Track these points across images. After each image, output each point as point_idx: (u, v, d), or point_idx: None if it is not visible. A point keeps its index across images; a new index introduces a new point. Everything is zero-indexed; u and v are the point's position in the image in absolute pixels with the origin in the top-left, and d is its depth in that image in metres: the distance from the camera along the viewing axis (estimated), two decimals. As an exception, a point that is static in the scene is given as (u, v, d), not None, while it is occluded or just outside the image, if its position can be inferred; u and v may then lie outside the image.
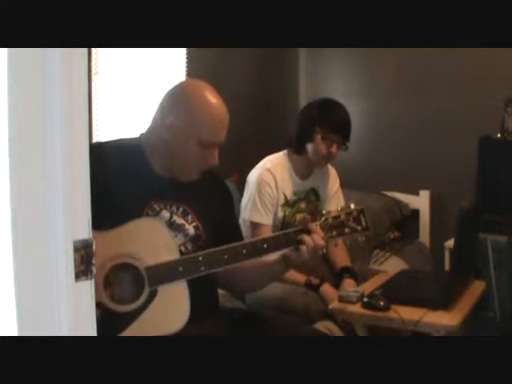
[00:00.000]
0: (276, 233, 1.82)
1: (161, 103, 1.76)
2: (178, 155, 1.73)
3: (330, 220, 1.83)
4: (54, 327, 0.90)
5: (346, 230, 1.84)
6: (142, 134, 1.82)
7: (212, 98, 1.73)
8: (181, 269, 1.62)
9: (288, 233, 1.77)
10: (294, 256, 1.76)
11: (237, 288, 2.08)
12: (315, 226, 1.78)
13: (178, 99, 1.74)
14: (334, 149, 2.54)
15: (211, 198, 1.86)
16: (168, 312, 1.63)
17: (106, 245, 1.54)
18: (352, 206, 1.87)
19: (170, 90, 1.77)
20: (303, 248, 1.74)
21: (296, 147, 2.61)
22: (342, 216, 1.85)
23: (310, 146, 2.57)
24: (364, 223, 1.87)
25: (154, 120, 1.77)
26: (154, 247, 1.63)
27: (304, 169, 2.65)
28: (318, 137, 2.53)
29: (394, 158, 4.03)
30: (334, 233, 1.83)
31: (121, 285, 1.60)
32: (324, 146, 2.53)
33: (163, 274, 1.61)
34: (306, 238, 1.74)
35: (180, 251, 1.70)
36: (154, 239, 1.65)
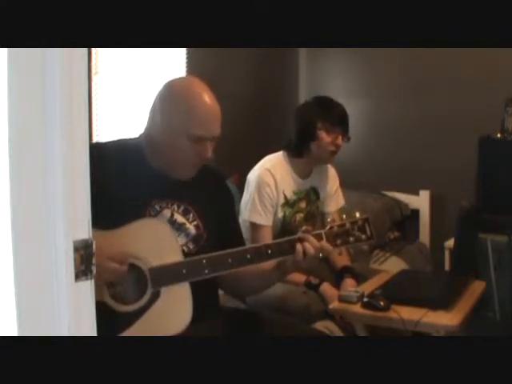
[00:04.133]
0: (280, 239, 1.81)
1: (153, 101, 1.77)
2: (170, 153, 1.72)
3: (335, 228, 1.83)
4: (54, 327, 0.90)
5: (351, 238, 1.85)
6: (141, 134, 1.82)
7: (200, 92, 1.72)
8: (184, 271, 1.62)
9: (291, 239, 1.77)
10: (289, 262, 1.77)
11: (237, 292, 2.09)
12: (309, 237, 1.77)
13: (166, 96, 1.74)
14: (339, 141, 2.56)
15: (212, 197, 1.86)
16: (170, 313, 1.63)
17: (111, 244, 1.54)
18: (357, 214, 1.87)
19: (161, 89, 1.77)
20: (297, 255, 1.74)
21: (297, 150, 2.61)
22: (347, 225, 1.85)
23: (314, 145, 2.57)
24: (369, 232, 1.87)
25: (148, 120, 1.78)
26: (157, 248, 1.63)
27: (304, 168, 2.65)
28: (322, 132, 2.54)
29: (394, 158, 4.03)
30: (339, 241, 1.83)
31: (124, 285, 1.60)
32: (330, 140, 2.54)
33: (166, 275, 1.61)
34: (306, 244, 1.75)
35: (182, 251, 1.70)
36: (158, 240, 1.65)
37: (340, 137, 2.56)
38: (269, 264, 1.81)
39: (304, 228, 1.83)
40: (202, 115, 1.70)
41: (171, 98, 1.73)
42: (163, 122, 1.71)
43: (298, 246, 1.74)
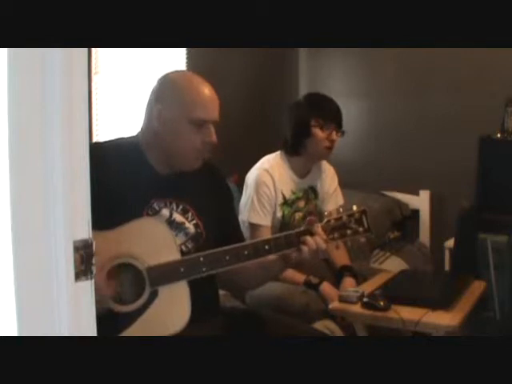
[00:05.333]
0: (277, 234, 1.81)
1: (148, 98, 1.77)
2: (173, 142, 1.72)
3: (331, 222, 1.82)
4: (54, 327, 0.90)
5: (348, 231, 1.84)
6: (138, 133, 1.82)
7: (196, 79, 1.75)
8: (182, 269, 1.62)
9: (289, 234, 1.77)
10: (294, 256, 1.76)
11: (236, 286, 2.08)
12: (318, 228, 1.78)
13: (162, 87, 1.75)
14: (333, 136, 2.57)
15: (211, 195, 1.86)
16: (169, 312, 1.63)
17: (107, 245, 1.54)
18: (354, 207, 1.87)
19: (155, 84, 1.78)
20: (304, 249, 1.74)
21: (293, 148, 2.61)
22: (344, 217, 1.84)
23: (309, 142, 2.57)
24: (366, 224, 1.86)
25: (145, 116, 1.78)
26: (155, 247, 1.63)
27: (302, 167, 2.66)
28: (317, 129, 2.55)
29: (394, 157, 4.03)
30: (336, 235, 1.83)
31: (122, 285, 1.60)
32: (324, 136, 2.55)
33: (164, 274, 1.61)
34: (309, 239, 1.74)
35: (181, 251, 1.69)
36: (155, 239, 1.65)
37: (334, 132, 2.57)
38: (270, 257, 1.80)
39: (310, 218, 1.83)
40: (202, 98, 1.72)
41: (169, 88, 1.74)
42: (163, 112, 1.71)
43: (309, 239, 1.74)
